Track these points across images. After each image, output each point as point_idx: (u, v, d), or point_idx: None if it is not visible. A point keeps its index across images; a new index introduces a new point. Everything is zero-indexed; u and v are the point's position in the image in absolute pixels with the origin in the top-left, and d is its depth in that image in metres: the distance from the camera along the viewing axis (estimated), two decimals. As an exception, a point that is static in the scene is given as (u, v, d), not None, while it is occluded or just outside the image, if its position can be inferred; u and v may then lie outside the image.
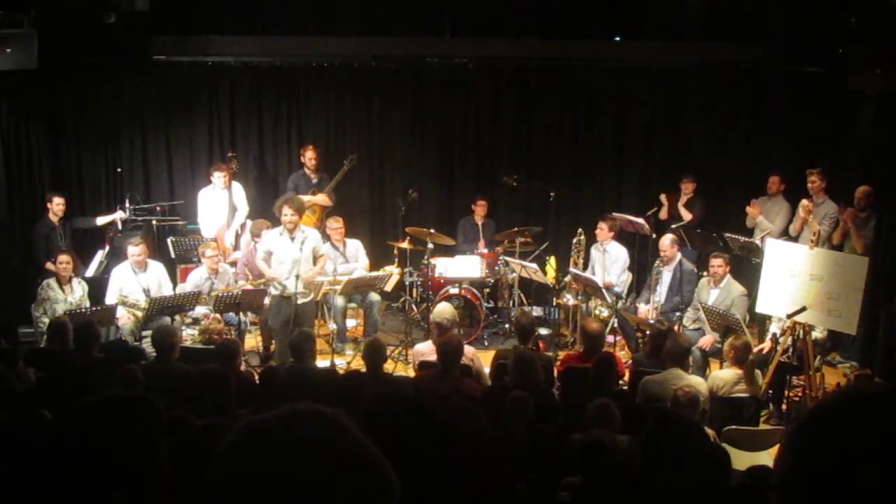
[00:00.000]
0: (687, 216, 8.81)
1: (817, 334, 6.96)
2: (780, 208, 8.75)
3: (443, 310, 6.55)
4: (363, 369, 5.92)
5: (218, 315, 7.39)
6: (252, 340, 8.14)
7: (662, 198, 9.09)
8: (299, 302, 7.29)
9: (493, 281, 8.83)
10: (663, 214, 9.08)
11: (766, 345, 6.98)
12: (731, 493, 3.24)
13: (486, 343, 8.38)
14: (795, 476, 1.01)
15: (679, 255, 7.92)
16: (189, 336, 7.64)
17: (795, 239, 8.04)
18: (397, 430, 1.41)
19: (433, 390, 4.96)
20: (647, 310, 7.77)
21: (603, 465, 3.33)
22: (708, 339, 7.13)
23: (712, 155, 9.78)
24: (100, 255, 8.59)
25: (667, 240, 7.97)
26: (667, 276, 7.86)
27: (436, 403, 1.50)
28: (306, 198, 8.74)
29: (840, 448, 0.97)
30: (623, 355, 7.64)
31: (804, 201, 8.15)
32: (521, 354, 5.55)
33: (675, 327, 7.19)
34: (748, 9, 8.99)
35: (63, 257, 7.69)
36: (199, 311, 7.58)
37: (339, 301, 8.14)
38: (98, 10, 7.94)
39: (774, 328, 7.23)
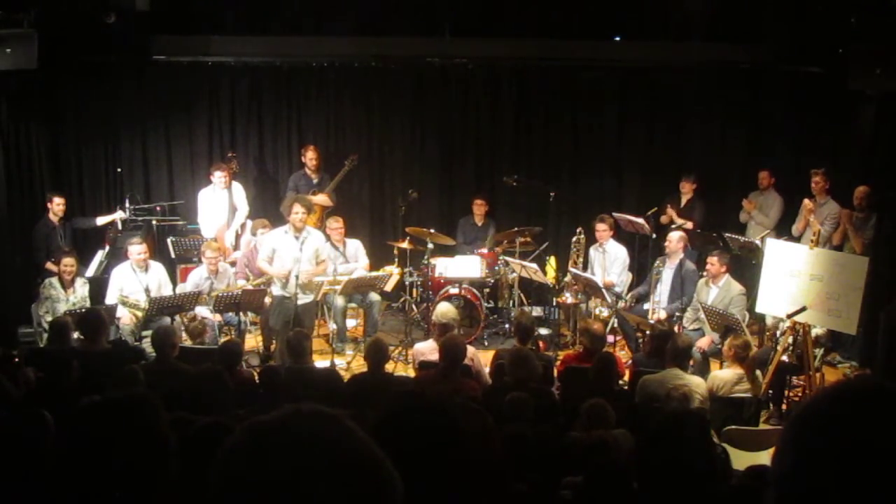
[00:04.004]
0: (688, 225, 8.79)
1: (817, 331, 6.96)
2: (773, 201, 8.87)
3: (445, 310, 6.55)
4: (364, 369, 5.92)
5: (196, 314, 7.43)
6: (252, 340, 8.14)
7: (670, 211, 9.04)
8: (300, 302, 7.29)
9: (493, 281, 8.83)
10: (664, 219, 9.08)
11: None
12: (731, 493, 3.24)
13: (486, 343, 8.38)
14: (792, 471, 1.01)
15: (682, 255, 7.91)
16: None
17: (798, 239, 8.05)
18: (421, 430, 1.41)
19: (433, 391, 4.96)
20: (651, 309, 7.76)
21: (604, 464, 3.33)
22: (706, 341, 7.13)
23: (712, 155, 9.78)
24: (100, 255, 8.59)
25: (675, 234, 7.95)
26: (667, 274, 7.85)
27: (458, 406, 1.49)
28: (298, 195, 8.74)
29: (837, 443, 0.97)
30: (623, 355, 7.64)
31: (806, 201, 8.16)
32: (517, 353, 5.55)
33: (675, 328, 7.19)
34: (748, 9, 9.00)
35: (67, 260, 7.70)
36: (199, 311, 7.58)
37: (339, 301, 8.14)
38: (98, 10, 7.94)
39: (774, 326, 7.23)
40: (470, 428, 1.41)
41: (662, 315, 7.64)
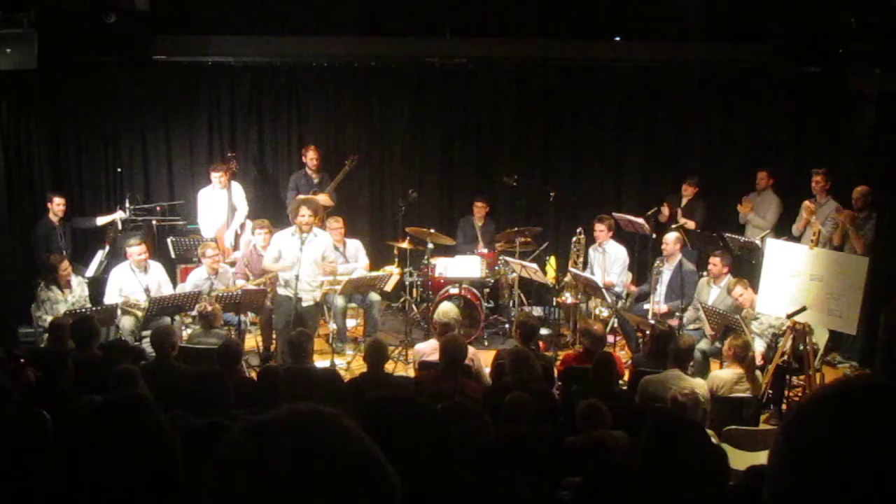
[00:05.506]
0: (690, 224, 8.79)
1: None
2: (770, 203, 8.84)
3: (447, 310, 6.55)
4: (364, 369, 5.92)
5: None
6: (252, 340, 8.14)
7: (664, 208, 9.06)
8: (303, 305, 7.28)
9: (493, 281, 8.83)
10: (663, 218, 9.08)
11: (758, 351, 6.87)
12: (731, 494, 3.24)
13: (486, 343, 8.38)
14: (788, 469, 1.01)
15: (680, 256, 7.92)
16: (194, 328, 7.57)
17: (798, 239, 8.05)
18: (394, 430, 1.41)
19: (434, 390, 4.96)
20: (650, 309, 7.76)
21: (603, 464, 3.33)
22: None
23: (712, 155, 9.78)
24: (100, 255, 8.59)
25: (671, 235, 7.97)
26: (667, 274, 7.86)
27: (433, 405, 1.50)
28: (306, 198, 8.74)
29: (834, 441, 0.97)
30: (623, 355, 7.64)
31: (807, 202, 8.16)
32: (517, 353, 5.55)
33: (674, 325, 7.19)
34: (748, 9, 8.99)
35: (63, 263, 7.72)
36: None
37: (339, 301, 8.14)
38: (98, 10, 7.94)
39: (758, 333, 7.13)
40: (452, 426, 1.41)
41: (664, 308, 7.64)
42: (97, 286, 7.99)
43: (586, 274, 8.29)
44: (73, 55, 8.43)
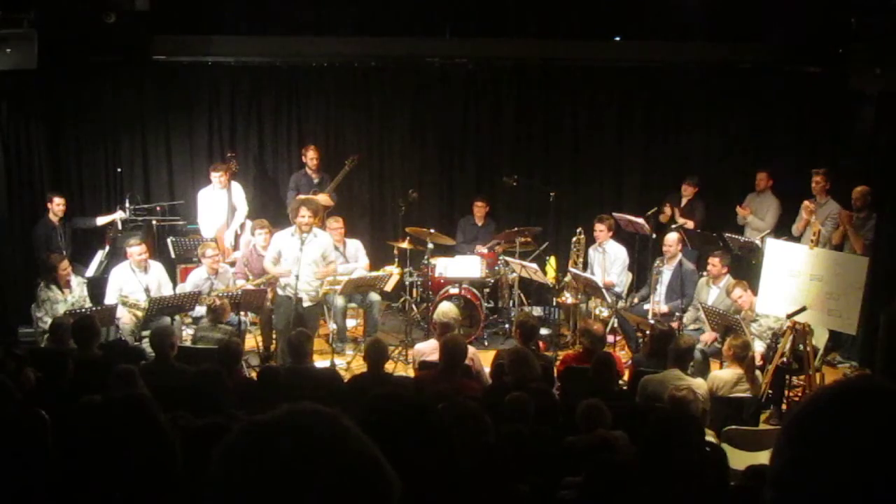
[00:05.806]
0: (689, 224, 8.79)
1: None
2: (770, 204, 8.85)
3: (446, 310, 6.55)
4: (364, 369, 5.92)
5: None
6: (252, 340, 8.14)
7: (666, 208, 9.06)
8: (305, 305, 7.28)
9: (493, 281, 8.83)
10: (664, 219, 9.09)
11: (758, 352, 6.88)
12: (730, 494, 3.24)
13: (486, 343, 8.38)
14: (789, 470, 1.01)
15: (680, 255, 7.92)
16: (198, 329, 7.57)
17: (798, 239, 8.05)
18: (395, 429, 1.42)
19: (434, 390, 4.96)
20: (650, 309, 7.76)
21: (604, 464, 3.33)
22: (709, 336, 7.12)
23: (712, 155, 9.78)
24: (100, 255, 8.60)
25: (673, 236, 7.97)
26: (667, 274, 7.86)
27: (433, 405, 1.50)
28: (306, 198, 8.74)
29: (834, 442, 0.97)
30: (623, 355, 7.64)
31: (806, 202, 8.16)
32: (517, 353, 5.55)
33: (674, 325, 7.19)
34: (748, 9, 9.00)
35: (63, 263, 7.72)
36: (200, 311, 7.58)
37: (339, 301, 8.15)
38: (98, 10, 7.94)
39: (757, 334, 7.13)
40: (452, 426, 1.41)
41: (664, 308, 7.64)
42: (97, 286, 7.98)
43: (586, 274, 8.29)
44: (73, 55, 8.43)
